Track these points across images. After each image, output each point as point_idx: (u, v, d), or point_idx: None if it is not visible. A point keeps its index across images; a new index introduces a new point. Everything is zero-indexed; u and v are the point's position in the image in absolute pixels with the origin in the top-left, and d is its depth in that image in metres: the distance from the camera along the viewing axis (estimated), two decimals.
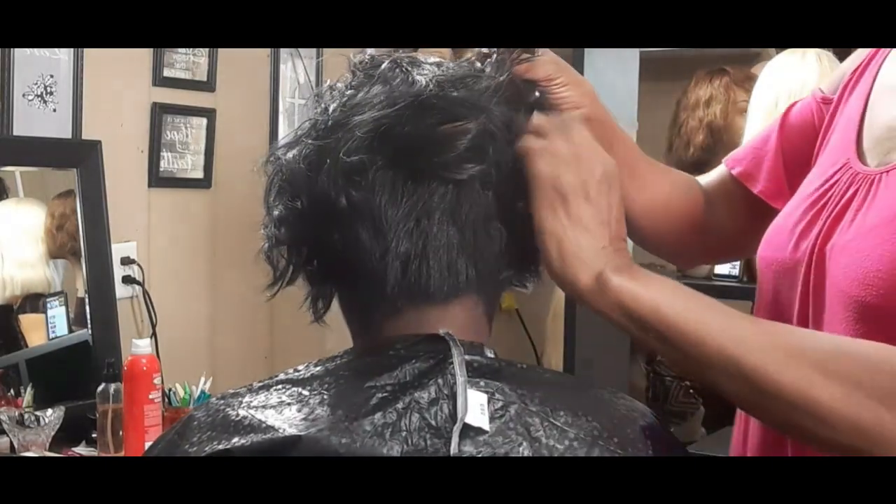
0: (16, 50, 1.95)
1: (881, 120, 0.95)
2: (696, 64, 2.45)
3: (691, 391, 2.50)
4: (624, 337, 2.40)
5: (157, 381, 1.87)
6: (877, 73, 0.99)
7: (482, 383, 0.79)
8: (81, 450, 1.92)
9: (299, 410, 0.78)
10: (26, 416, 1.81)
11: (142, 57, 2.22)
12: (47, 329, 2.10)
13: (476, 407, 0.77)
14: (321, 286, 0.87)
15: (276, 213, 0.85)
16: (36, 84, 2.01)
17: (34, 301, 2.10)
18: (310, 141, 0.84)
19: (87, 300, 2.11)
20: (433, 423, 0.77)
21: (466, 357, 0.80)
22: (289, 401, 0.80)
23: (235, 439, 0.77)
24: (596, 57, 2.05)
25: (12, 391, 1.96)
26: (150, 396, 1.86)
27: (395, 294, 0.82)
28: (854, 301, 0.86)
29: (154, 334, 2.21)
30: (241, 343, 2.50)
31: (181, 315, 2.35)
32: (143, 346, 1.89)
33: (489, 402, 0.78)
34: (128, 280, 2.21)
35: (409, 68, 0.85)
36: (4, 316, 2.07)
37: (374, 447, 0.75)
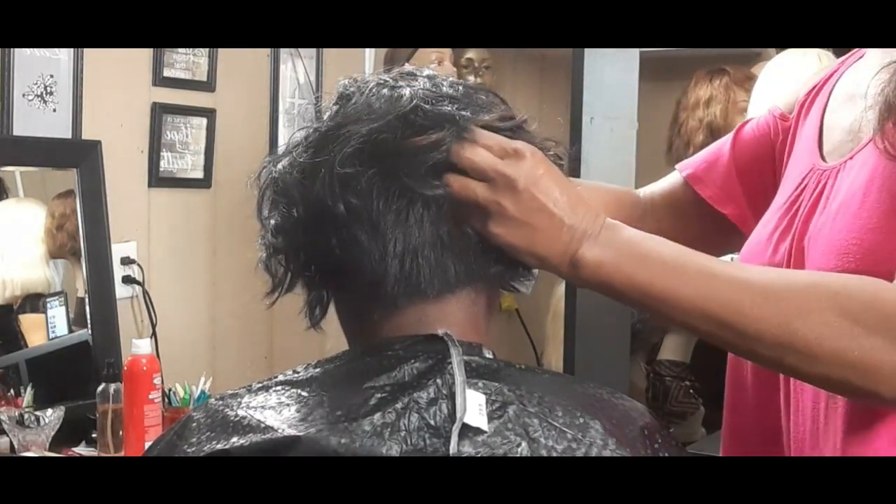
0: (16, 50, 1.95)
1: (840, 125, 1.01)
2: (696, 64, 2.45)
3: (691, 391, 2.49)
4: (624, 337, 2.41)
5: (157, 381, 1.87)
6: (832, 89, 1.05)
7: (480, 384, 0.80)
8: (81, 450, 1.92)
9: (298, 411, 0.79)
10: (26, 416, 1.81)
11: (142, 57, 2.22)
12: (47, 329, 2.10)
13: (475, 407, 0.77)
14: (319, 291, 0.89)
15: (272, 222, 0.88)
16: (36, 84, 2.01)
17: (34, 301, 2.10)
18: (301, 150, 0.86)
19: (87, 300, 2.11)
20: (432, 422, 0.77)
21: (465, 357, 0.81)
22: (288, 402, 0.80)
23: (234, 439, 0.77)
24: (596, 57, 2.05)
25: (12, 391, 1.96)
26: (150, 396, 1.86)
27: (394, 292, 0.83)
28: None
29: (154, 334, 2.21)
30: (241, 343, 2.50)
31: (181, 315, 2.35)
32: (143, 346, 1.89)
33: (487, 402, 0.78)
34: (128, 280, 2.21)
35: (397, 82, 0.88)
36: (4, 316, 2.07)
37: (373, 447, 0.75)
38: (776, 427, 0.99)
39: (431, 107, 0.85)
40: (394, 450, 0.75)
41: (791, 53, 2.04)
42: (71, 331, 2.14)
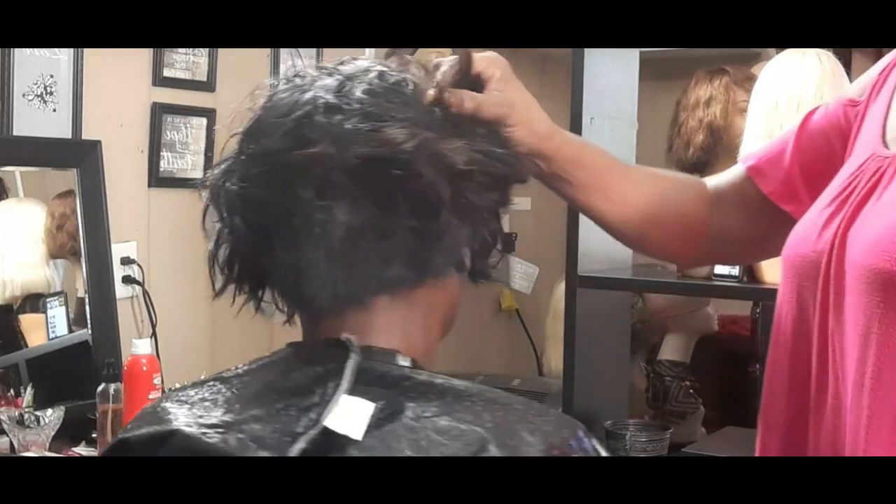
0: (16, 50, 1.95)
1: None
2: (696, 64, 2.45)
3: (691, 391, 2.49)
4: (624, 337, 2.40)
5: (157, 381, 1.87)
6: None
7: (374, 391, 0.77)
8: (81, 450, 1.92)
9: (207, 409, 0.81)
10: (26, 416, 1.81)
11: (142, 57, 2.22)
12: (47, 329, 2.10)
13: (352, 415, 0.75)
14: (254, 294, 0.93)
15: (207, 227, 0.92)
16: (36, 84, 2.01)
17: (34, 301, 2.10)
18: (229, 158, 0.88)
19: (87, 300, 2.11)
20: (297, 430, 0.76)
21: (365, 364, 0.79)
22: (211, 398, 0.83)
23: (143, 430, 0.81)
24: (596, 57, 2.05)
25: (12, 391, 1.96)
26: (150, 396, 1.85)
27: (300, 305, 0.87)
28: (870, 272, 0.84)
29: (154, 334, 2.21)
30: (241, 343, 2.49)
31: (181, 315, 2.34)
32: (143, 346, 1.89)
33: (377, 411, 0.76)
34: (128, 280, 2.21)
35: (305, 82, 0.88)
36: (4, 316, 2.07)
37: (235, 448, 0.76)
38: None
39: (324, 118, 0.82)
40: (248, 452, 0.76)
41: (791, 53, 2.03)
42: (71, 331, 2.14)
